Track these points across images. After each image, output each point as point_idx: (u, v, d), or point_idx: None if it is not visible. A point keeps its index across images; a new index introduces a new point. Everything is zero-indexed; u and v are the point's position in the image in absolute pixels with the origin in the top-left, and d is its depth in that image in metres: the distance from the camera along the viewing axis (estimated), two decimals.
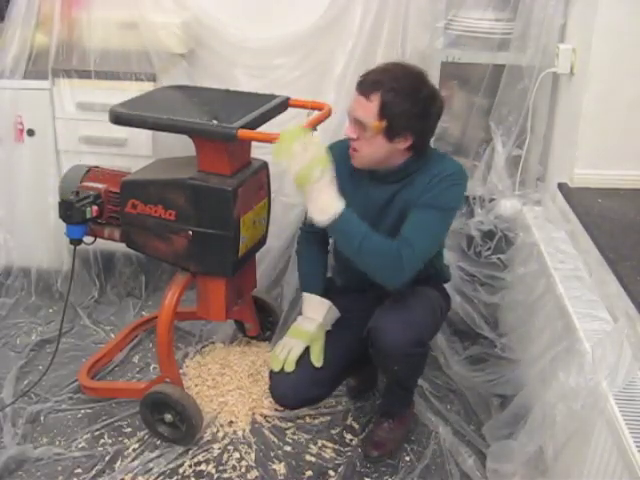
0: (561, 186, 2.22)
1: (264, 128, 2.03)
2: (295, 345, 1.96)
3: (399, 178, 1.89)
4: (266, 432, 2.14)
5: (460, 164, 1.94)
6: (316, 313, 2.01)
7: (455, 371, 2.35)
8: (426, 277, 2.03)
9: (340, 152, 1.96)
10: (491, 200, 2.43)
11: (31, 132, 2.66)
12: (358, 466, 2.02)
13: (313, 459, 2.04)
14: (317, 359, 1.95)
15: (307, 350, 1.97)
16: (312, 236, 2.12)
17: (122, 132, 2.51)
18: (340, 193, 1.78)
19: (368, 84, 1.80)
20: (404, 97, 1.77)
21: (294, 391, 1.97)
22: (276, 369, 1.95)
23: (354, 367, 2.14)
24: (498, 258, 2.37)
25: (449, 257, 2.29)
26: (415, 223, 1.82)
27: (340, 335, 2.00)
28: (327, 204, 1.74)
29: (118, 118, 2.03)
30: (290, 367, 1.94)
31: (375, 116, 1.78)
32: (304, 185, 1.73)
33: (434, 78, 2.44)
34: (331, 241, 2.13)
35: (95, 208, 2.11)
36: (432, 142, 2.50)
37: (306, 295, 2.05)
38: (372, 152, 1.84)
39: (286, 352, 1.95)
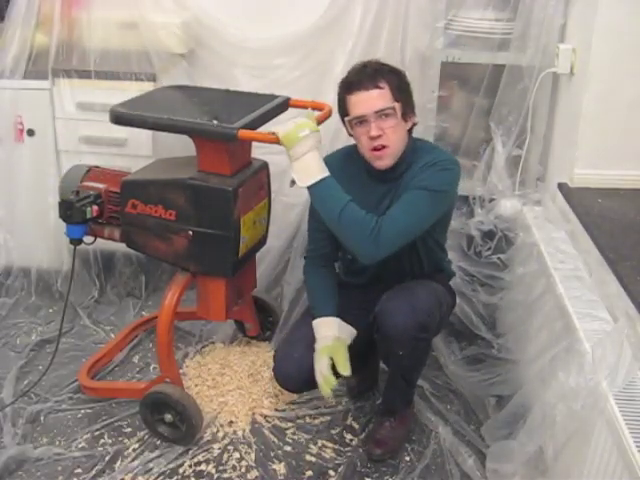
0: (561, 186, 2.22)
1: (264, 128, 2.03)
2: (321, 364, 1.90)
3: (401, 172, 1.90)
4: (266, 432, 2.14)
5: (450, 154, 2.00)
6: (328, 330, 1.96)
7: (451, 371, 2.35)
8: (430, 273, 2.04)
9: (337, 161, 1.98)
10: (491, 200, 2.43)
11: (31, 132, 2.66)
12: (358, 466, 2.02)
13: (313, 459, 2.04)
14: (343, 368, 1.89)
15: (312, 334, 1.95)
16: (318, 261, 2.10)
17: (122, 132, 2.51)
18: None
19: (370, 76, 1.83)
20: (399, 75, 1.87)
21: (298, 372, 1.97)
22: (329, 390, 1.90)
23: (355, 364, 2.15)
24: (498, 258, 2.37)
25: (449, 257, 2.29)
26: (401, 202, 1.85)
27: (347, 322, 1.99)
28: (313, 167, 1.79)
29: (118, 118, 2.03)
30: (331, 382, 1.89)
31: (392, 99, 1.83)
32: (292, 144, 1.76)
33: (434, 78, 2.45)
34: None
35: (95, 208, 2.11)
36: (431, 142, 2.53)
37: (315, 322, 2.00)
38: (399, 139, 1.87)
39: (320, 376, 1.90)
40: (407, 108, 1.87)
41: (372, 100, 1.82)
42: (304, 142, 1.76)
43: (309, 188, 1.80)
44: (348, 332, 1.99)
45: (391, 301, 1.86)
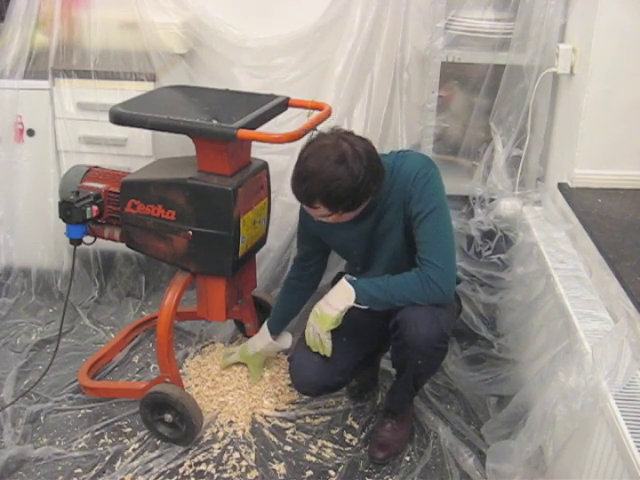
0: (561, 186, 2.23)
1: (264, 128, 2.03)
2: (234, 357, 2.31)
3: (385, 196, 1.90)
4: (266, 432, 2.14)
5: (422, 155, 2.00)
6: (259, 340, 2.26)
7: (451, 371, 2.35)
8: None
9: None
10: (491, 200, 2.43)
11: (31, 132, 2.65)
12: (359, 466, 2.02)
13: (313, 459, 2.04)
14: (254, 376, 2.28)
15: (335, 337, 1.96)
16: (296, 282, 2.20)
17: (122, 132, 2.52)
18: (330, 232, 1.98)
19: (303, 198, 1.82)
20: (339, 190, 1.76)
21: (318, 376, 1.99)
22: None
23: (359, 364, 2.16)
24: (498, 258, 2.37)
25: None
26: (423, 241, 1.86)
27: (361, 326, 2.00)
28: (342, 297, 1.88)
29: (118, 118, 2.03)
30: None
31: (328, 212, 1.82)
32: (330, 321, 1.90)
33: (434, 78, 2.45)
34: None
35: (95, 208, 2.11)
36: (432, 142, 2.53)
37: (263, 326, 2.26)
38: (347, 219, 1.88)
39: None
40: (351, 207, 1.82)
41: (310, 211, 1.85)
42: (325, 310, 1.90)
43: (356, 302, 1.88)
44: (272, 347, 2.25)
45: (414, 311, 1.85)
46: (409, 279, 1.85)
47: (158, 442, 2.09)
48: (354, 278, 1.92)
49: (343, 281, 1.91)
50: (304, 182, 1.78)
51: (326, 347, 1.94)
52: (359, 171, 1.76)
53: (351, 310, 1.90)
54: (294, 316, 2.28)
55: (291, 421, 2.18)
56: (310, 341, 1.97)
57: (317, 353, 1.97)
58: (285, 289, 2.25)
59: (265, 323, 2.25)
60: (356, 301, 1.87)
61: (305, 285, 2.20)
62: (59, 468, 2.00)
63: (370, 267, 2.01)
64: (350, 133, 1.85)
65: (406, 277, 1.86)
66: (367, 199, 1.84)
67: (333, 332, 1.93)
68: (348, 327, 1.95)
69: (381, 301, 1.86)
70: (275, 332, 2.24)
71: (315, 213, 1.85)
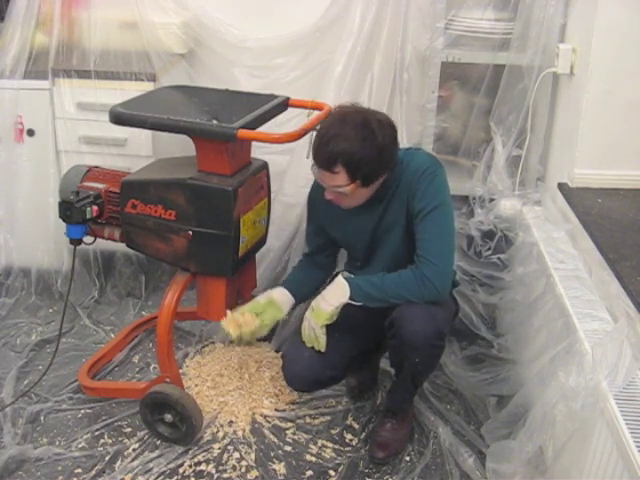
0: (561, 186, 2.23)
1: (264, 128, 2.03)
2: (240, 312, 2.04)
3: (393, 189, 1.91)
4: (266, 432, 2.14)
5: (430, 154, 2.01)
6: (275, 294, 2.08)
7: (451, 371, 2.35)
8: None
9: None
10: (491, 200, 2.43)
11: (31, 132, 2.66)
12: (359, 466, 2.02)
13: (313, 459, 2.04)
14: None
15: (328, 333, 1.96)
16: (309, 259, 2.17)
17: (122, 132, 2.52)
18: (336, 223, 1.98)
19: (324, 160, 1.80)
20: (363, 152, 1.77)
21: (309, 371, 2.00)
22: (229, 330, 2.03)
23: (358, 363, 2.15)
24: (498, 258, 2.37)
25: None
26: (422, 239, 1.87)
27: (356, 322, 2.00)
28: (338, 294, 1.90)
29: (118, 118, 2.03)
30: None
31: (347, 181, 1.81)
32: (325, 316, 1.92)
33: (434, 78, 2.45)
34: None
35: (95, 208, 2.11)
36: (432, 142, 2.53)
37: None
38: (356, 201, 1.89)
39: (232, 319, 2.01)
40: (369, 178, 1.83)
41: (326, 178, 1.84)
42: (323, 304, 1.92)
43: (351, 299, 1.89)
44: (288, 302, 2.08)
45: (410, 308, 1.85)
46: (404, 276, 1.86)
47: (158, 442, 2.09)
48: (351, 275, 1.94)
49: (339, 277, 1.92)
50: (328, 144, 1.78)
51: (320, 342, 1.95)
52: (383, 137, 1.79)
53: (347, 306, 1.91)
54: (308, 282, 2.16)
55: (291, 421, 2.18)
56: (305, 335, 1.98)
57: (308, 348, 1.98)
58: (300, 267, 2.20)
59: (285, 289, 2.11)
60: (351, 297, 1.88)
61: (318, 269, 2.17)
62: (59, 468, 2.00)
63: (370, 264, 2.02)
64: (369, 108, 1.88)
65: (401, 274, 1.87)
66: (384, 172, 1.85)
67: (327, 327, 1.94)
68: (342, 323, 1.96)
69: (376, 298, 1.87)
70: (299, 299, 2.12)
71: (332, 182, 1.82)
